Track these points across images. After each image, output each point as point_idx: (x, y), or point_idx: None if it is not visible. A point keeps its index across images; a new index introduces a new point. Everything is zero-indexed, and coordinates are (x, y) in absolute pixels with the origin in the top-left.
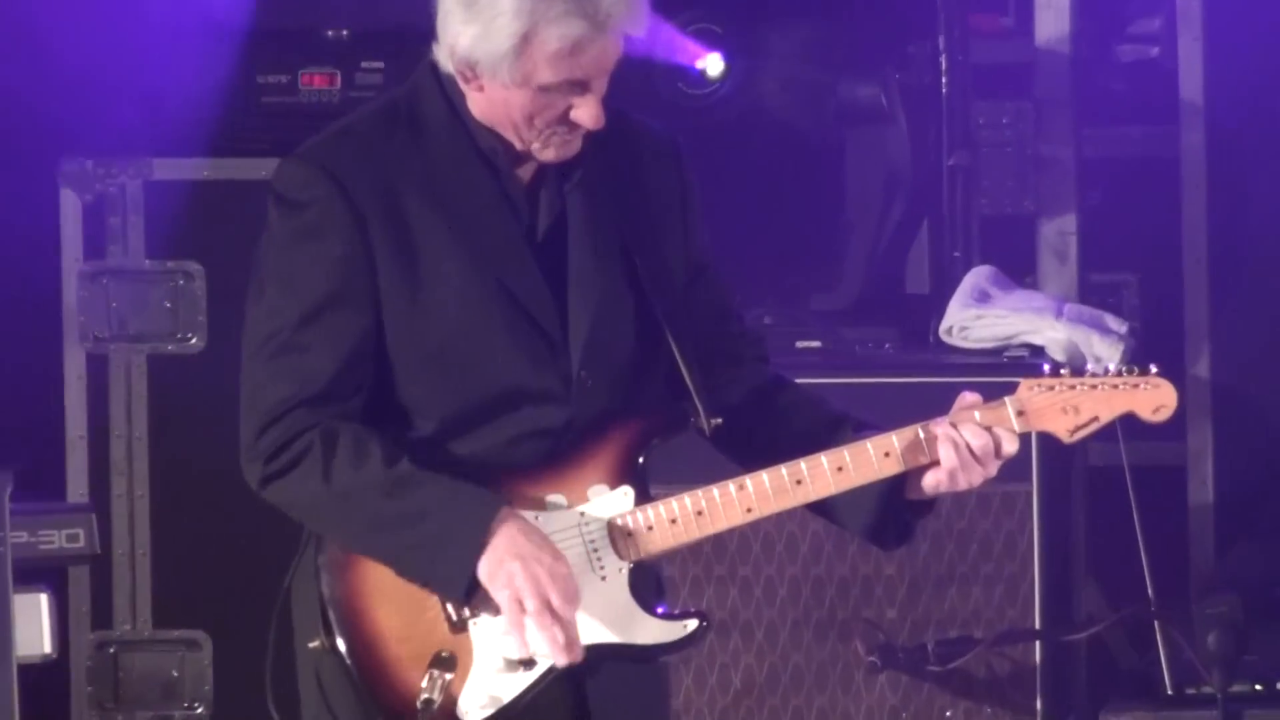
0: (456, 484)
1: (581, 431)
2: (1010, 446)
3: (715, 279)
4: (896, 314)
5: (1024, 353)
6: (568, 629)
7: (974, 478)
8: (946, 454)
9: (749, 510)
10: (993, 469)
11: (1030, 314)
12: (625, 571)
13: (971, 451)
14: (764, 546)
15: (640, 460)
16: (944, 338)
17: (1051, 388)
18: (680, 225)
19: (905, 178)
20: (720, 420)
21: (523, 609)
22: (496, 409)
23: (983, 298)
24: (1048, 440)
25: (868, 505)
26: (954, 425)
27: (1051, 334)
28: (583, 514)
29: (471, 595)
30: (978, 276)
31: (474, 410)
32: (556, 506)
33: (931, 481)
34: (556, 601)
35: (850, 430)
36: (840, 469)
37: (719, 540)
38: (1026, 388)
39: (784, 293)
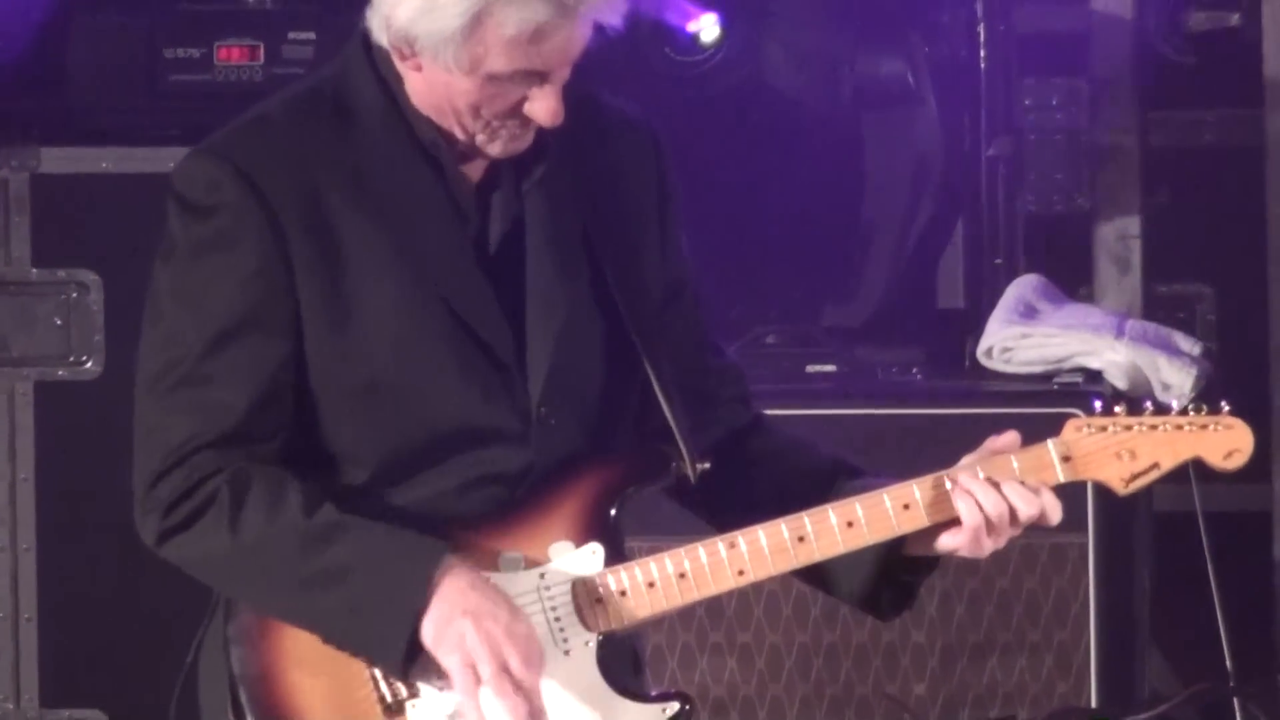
0: (391, 531)
1: (542, 478)
2: (1055, 515)
3: (693, 301)
4: (926, 332)
5: (1078, 379)
6: (531, 698)
7: (1001, 540)
8: (969, 512)
9: (741, 573)
10: (1021, 528)
11: (1086, 333)
12: (593, 645)
13: (1010, 514)
14: (768, 609)
15: (612, 512)
16: (983, 360)
17: (1104, 428)
18: (657, 233)
19: (935, 169)
20: (709, 465)
21: (477, 676)
22: (441, 452)
23: (1029, 313)
24: (1102, 486)
25: (860, 566)
26: (988, 479)
27: (1111, 356)
28: (543, 576)
29: (412, 661)
30: (1023, 288)
31: (414, 454)
32: (512, 566)
33: (949, 543)
34: (516, 665)
35: (845, 480)
36: (850, 524)
37: (714, 601)
38: (1074, 428)
39: (791, 306)
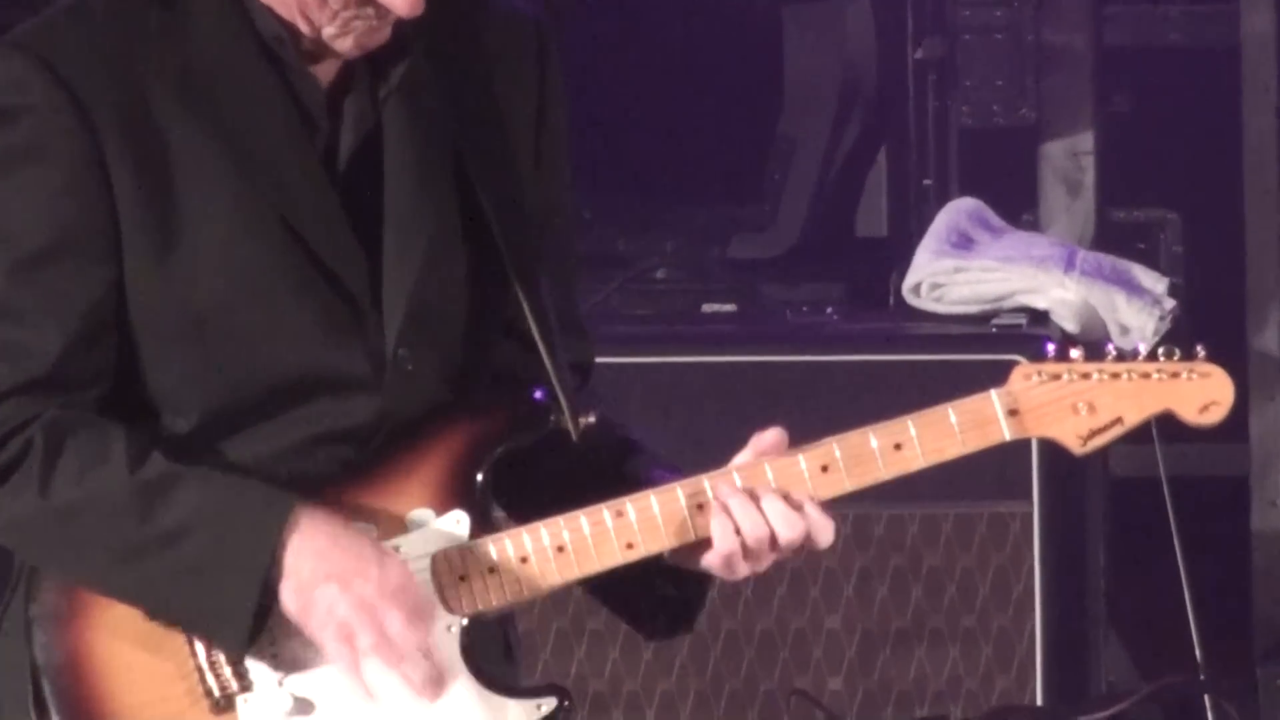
0: (232, 483)
1: (397, 434)
2: (824, 537)
3: (565, 240)
4: (843, 265)
5: (1020, 320)
6: (423, 659)
7: (762, 564)
8: (723, 535)
9: (630, 546)
10: (789, 555)
11: (1030, 266)
12: (457, 631)
13: (770, 539)
14: None
15: (480, 475)
16: (909, 298)
17: (1057, 376)
18: (531, 146)
19: (869, 75)
20: (594, 419)
21: (357, 650)
22: (279, 402)
23: (964, 243)
24: (1052, 445)
25: (625, 578)
26: (747, 491)
27: (1060, 294)
28: (398, 549)
29: (254, 637)
30: (957, 214)
31: (247, 404)
32: None
33: (709, 561)
34: (397, 628)
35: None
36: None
37: None
38: (1022, 376)
39: (690, 233)
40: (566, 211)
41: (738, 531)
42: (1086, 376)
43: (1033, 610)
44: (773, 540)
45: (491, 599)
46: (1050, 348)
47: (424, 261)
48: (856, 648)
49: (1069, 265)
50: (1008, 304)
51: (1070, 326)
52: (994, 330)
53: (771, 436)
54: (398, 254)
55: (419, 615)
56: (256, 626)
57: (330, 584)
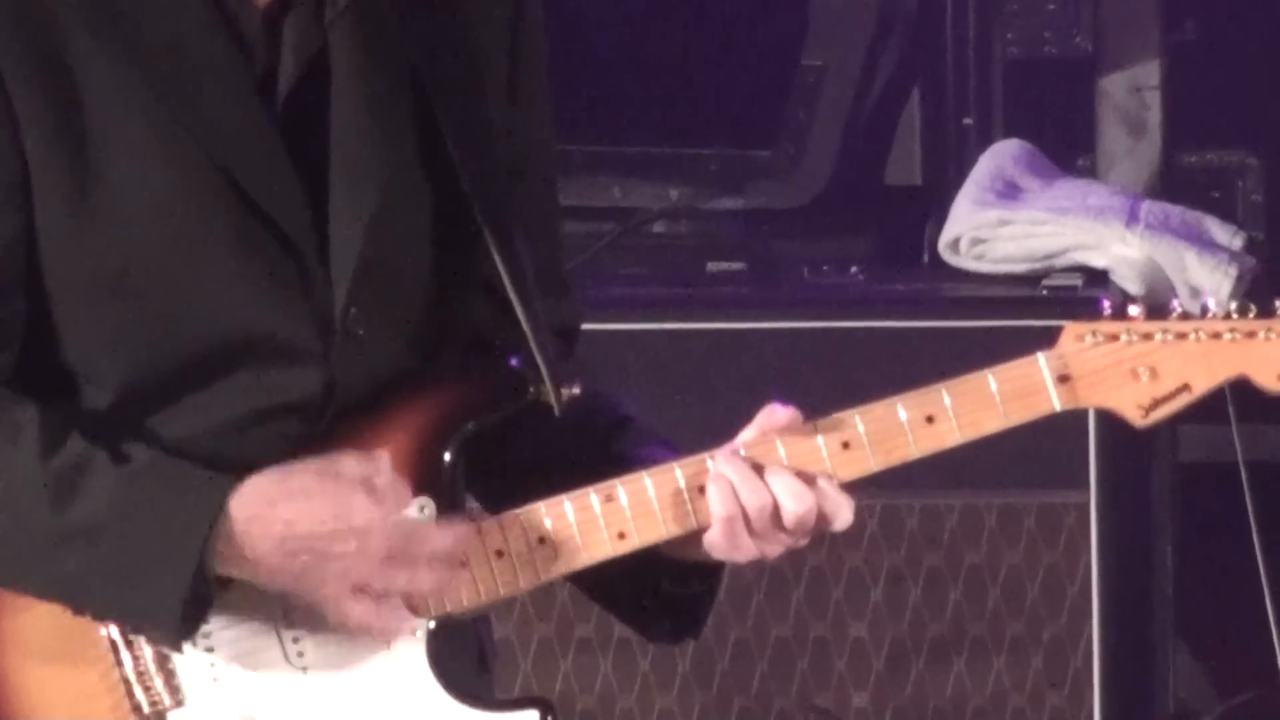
0: (160, 463)
1: (350, 409)
2: (840, 517)
3: (546, 186)
4: (870, 217)
5: (1075, 281)
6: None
7: (770, 546)
8: (721, 500)
9: (622, 536)
10: (802, 539)
11: (1086, 218)
12: (423, 635)
13: (774, 511)
14: None
15: (447, 456)
16: (947, 256)
17: (1115, 337)
18: (505, 78)
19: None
20: (577, 391)
21: (363, 599)
22: (210, 371)
23: (1009, 192)
24: (1111, 423)
25: (620, 574)
26: (751, 461)
27: (1121, 251)
28: None
29: (193, 623)
30: (1002, 159)
31: (174, 373)
32: None
33: (711, 539)
34: (402, 581)
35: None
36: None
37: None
38: (1074, 337)
39: (698, 180)
40: (548, 153)
41: (737, 499)
42: (1148, 337)
43: (1090, 616)
44: (777, 515)
45: (462, 598)
46: (1107, 305)
47: (377, 208)
48: (885, 659)
49: (1131, 217)
50: (1060, 262)
51: (1133, 288)
52: (1044, 292)
53: (784, 414)
54: (346, 199)
55: (417, 541)
56: (190, 618)
57: (305, 556)
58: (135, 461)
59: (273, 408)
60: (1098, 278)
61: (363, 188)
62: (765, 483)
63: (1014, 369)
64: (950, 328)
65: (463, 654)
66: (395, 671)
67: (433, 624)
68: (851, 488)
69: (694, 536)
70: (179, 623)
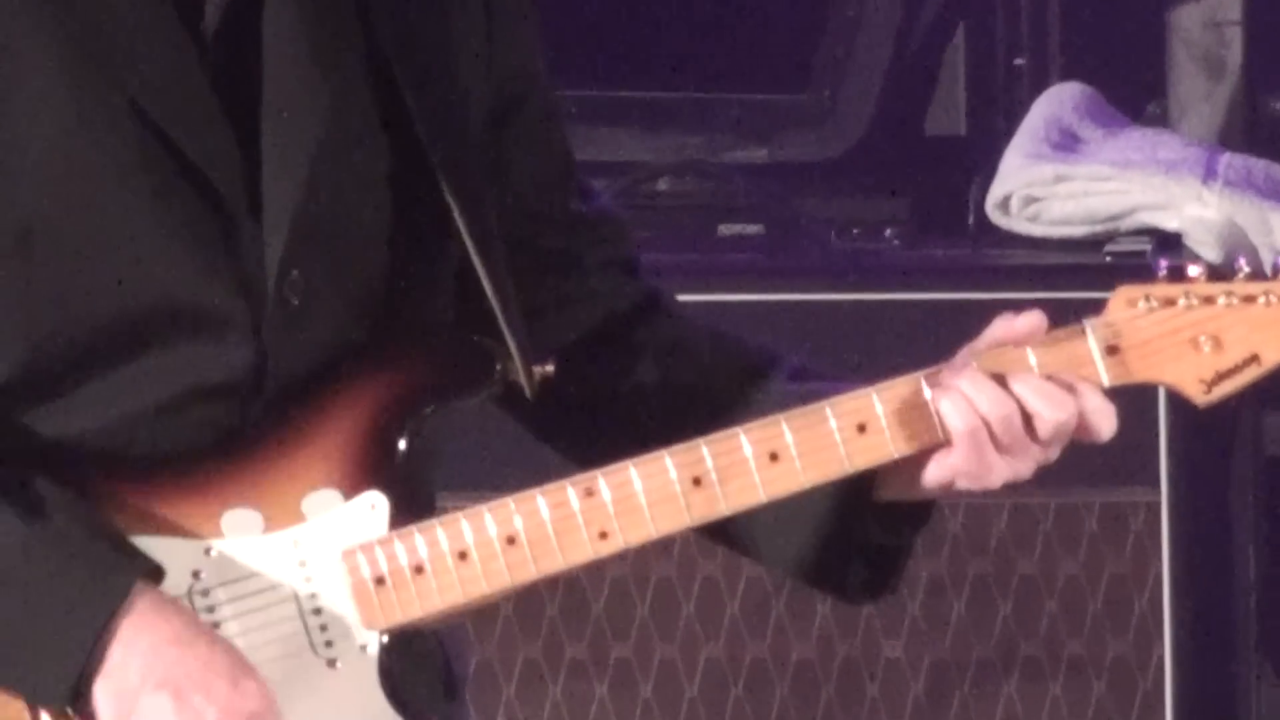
0: (53, 530)
1: (290, 389)
2: (1104, 425)
3: (542, 119)
4: (908, 173)
5: (1143, 245)
6: None
7: (1022, 464)
8: (959, 414)
9: (604, 536)
10: (1055, 451)
11: (1156, 174)
12: (375, 651)
13: (1025, 420)
14: (658, 602)
15: (402, 444)
16: (995, 217)
17: (1171, 301)
18: (477, 21)
19: None
20: (551, 370)
21: None
22: (126, 344)
23: (1068, 143)
24: (1186, 409)
25: (803, 520)
26: (990, 373)
27: (1196, 211)
28: (296, 545)
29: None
30: (1058, 105)
31: (85, 346)
32: (243, 530)
33: (938, 474)
34: None
35: (782, 382)
36: (775, 457)
37: (573, 585)
38: (1125, 301)
39: (713, 130)
40: (541, 88)
41: (975, 410)
42: (1210, 301)
43: (1161, 633)
44: (1029, 424)
45: (419, 608)
46: (1163, 264)
47: (316, 156)
48: (924, 683)
49: (1209, 172)
50: (1126, 224)
51: (1210, 253)
52: (1108, 259)
53: (1026, 322)
54: (281, 146)
55: None
56: (79, 695)
57: (162, 693)
58: (25, 514)
59: (196, 389)
60: (1169, 242)
61: (301, 134)
62: (1010, 390)
63: (1057, 339)
64: (999, 300)
65: (423, 676)
66: (344, 694)
67: (385, 638)
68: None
69: (908, 466)
70: (65, 702)
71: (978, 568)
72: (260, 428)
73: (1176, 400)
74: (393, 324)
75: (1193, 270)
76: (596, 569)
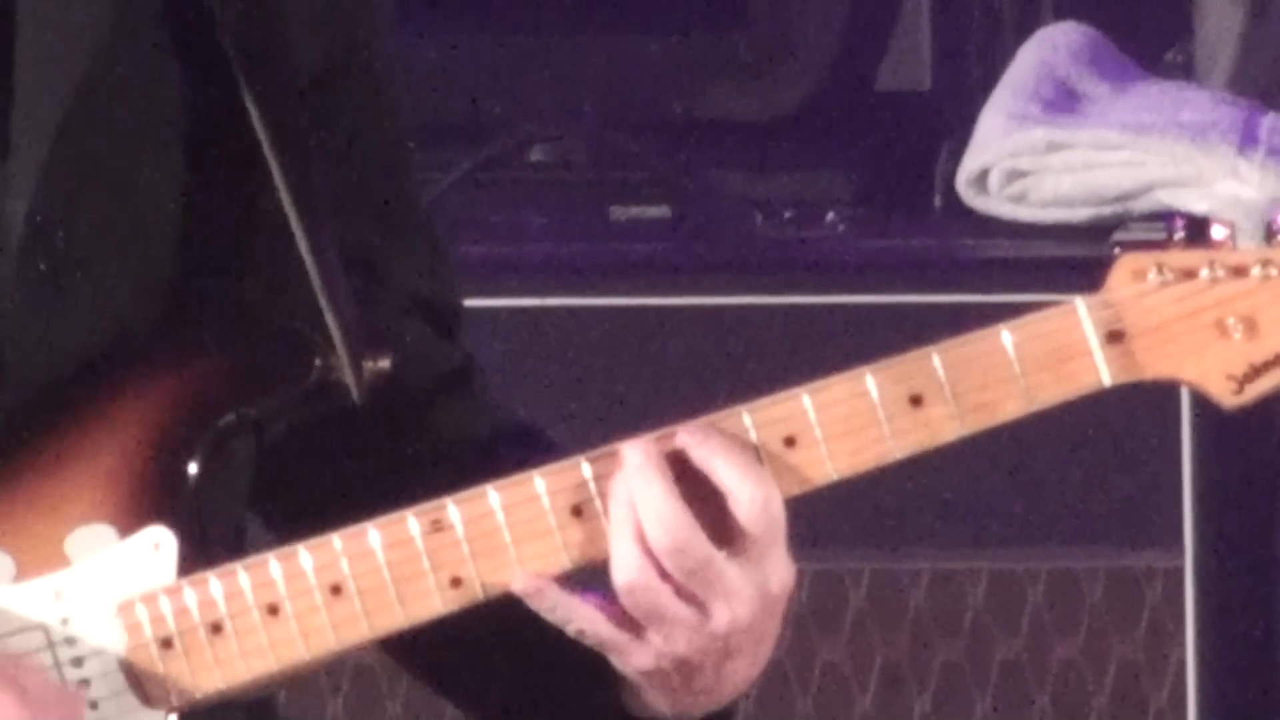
0: None
1: (44, 395)
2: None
3: (373, 95)
4: (856, 140)
5: (1161, 234)
6: None
7: (670, 641)
8: (620, 544)
9: (457, 583)
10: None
11: (1179, 140)
12: None
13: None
14: None
15: (193, 466)
16: (969, 196)
17: (1190, 273)
18: None
19: None
20: (388, 364)
21: None
22: None
23: (1064, 102)
24: (1218, 433)
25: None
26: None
27: (1230, 188)
28: (58, 596)
29: None
30: (1053, 51)
31: None
32: None
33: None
34: None
35: None
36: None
37: None
38: (1130, 273)
39: (610, 85)
40: (375, 47)
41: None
42: (1242, 272)
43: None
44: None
45: (218, 678)
46: (1179, 224)
47: (82, 86)
48: None
49: (1246, 139)
50: (1139, 205)
51: (1248, 241)
52: (1115, 251)
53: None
54: (36, 75)
55: None
56: None
57: None
58: None
59: None
60: (1197, 228)
61: (57, 70)
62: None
63: (1039, 323)
64: (973, 303)
65: None
66: None
67: (173, 716)
68: (811, 543)
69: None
70: None
71: (947, 653)
72: (7, 446)
73: (1206, 421)
74: (183, 310)
75: (1217, 231)
76: None
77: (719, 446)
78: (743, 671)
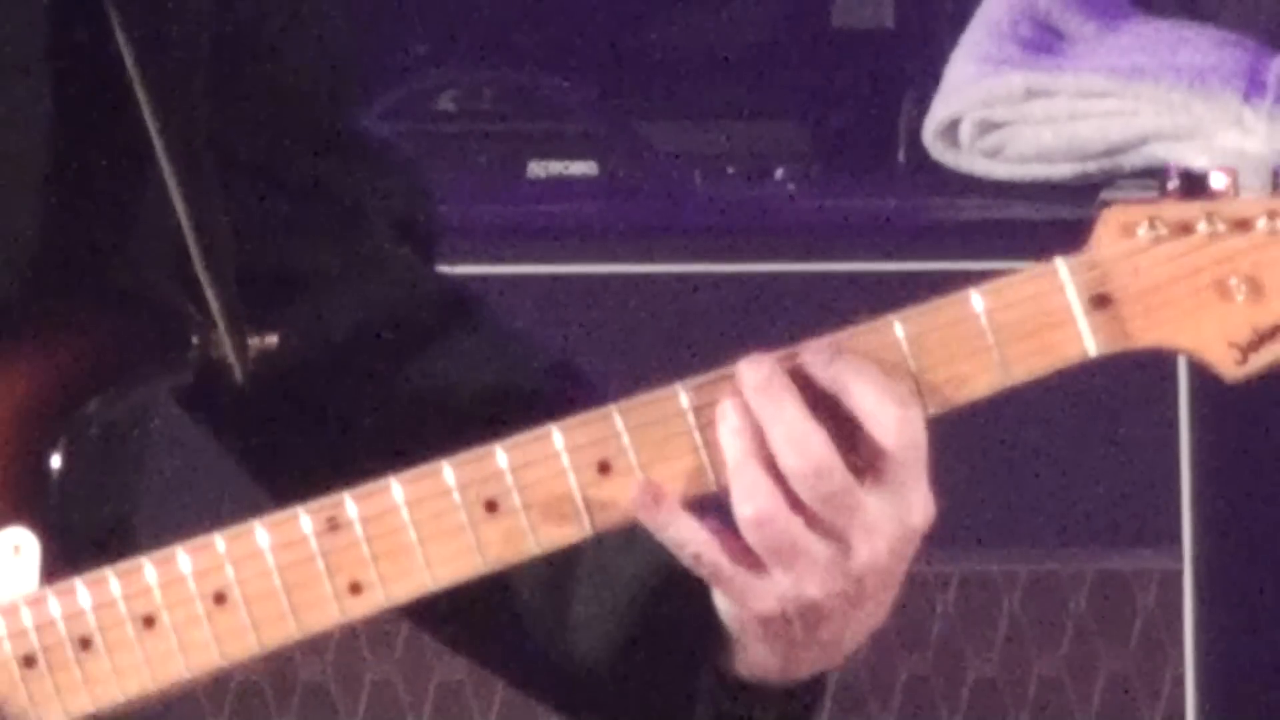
0: None
1: None
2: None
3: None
4: (809, 85)
5: (1155, 192)
6: None
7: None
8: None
9: (356, 589)
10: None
11: (1176, 87)
12: None
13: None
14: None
15: (56, 459)
16: (937, 151)
17: (1186, 228)
18: None
19: None
20: (275, 341)
21: None
22: None
23: (1045, 42)
24: (1220, 420)
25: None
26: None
27: (1234, 140)
28: None
29: None
30: None
31: None
32: None
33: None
34: None
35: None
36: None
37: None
38: (1119, 228)
39: (524, 19)
40: None
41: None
42: (1245, 226)
43: None
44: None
45: (85, 700)
46: (1173, 172)
47: None
48: None
49: (1253, 84)
50: (1131, 160)
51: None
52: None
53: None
54: None
55: None
56: None
57: None
58: None
59: None
60: (1196, 184)
61: None
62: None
63: (1015, 287)
64: (942, 271)
65: None
66: None
67: None
68: None
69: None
70: None
71: (914, 666)
72: None
73: (1206, 408)
74: (46, 282)
75: (1216, 180)
76: None
77: (853, 364)
78: (867, 621)
